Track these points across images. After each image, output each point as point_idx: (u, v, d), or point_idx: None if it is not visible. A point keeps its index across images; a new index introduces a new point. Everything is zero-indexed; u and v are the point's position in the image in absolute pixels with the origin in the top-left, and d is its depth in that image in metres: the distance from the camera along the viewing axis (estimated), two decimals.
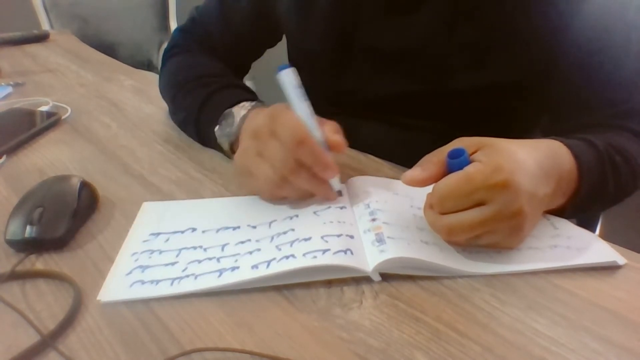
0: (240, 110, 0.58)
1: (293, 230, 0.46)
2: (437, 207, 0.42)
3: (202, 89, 0.65)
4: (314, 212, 0.49)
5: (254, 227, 0.48)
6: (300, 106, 0.49)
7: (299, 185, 0.48)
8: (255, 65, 0.86)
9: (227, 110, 0.59)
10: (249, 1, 0.74)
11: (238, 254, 0.44)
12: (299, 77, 0.50)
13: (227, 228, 0.48)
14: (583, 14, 0.54)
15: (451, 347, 0.35)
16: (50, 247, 0.46)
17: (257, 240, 0.46)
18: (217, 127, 0.60)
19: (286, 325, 0.38)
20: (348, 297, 0.40)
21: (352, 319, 0.38)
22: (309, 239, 0.44)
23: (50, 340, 0.36)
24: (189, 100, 0.66)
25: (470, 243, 0.43)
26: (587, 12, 0.54)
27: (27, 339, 0.36)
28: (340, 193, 0.51)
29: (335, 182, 0.50)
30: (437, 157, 0.43)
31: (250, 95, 0.62)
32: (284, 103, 0.50)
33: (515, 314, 0.38)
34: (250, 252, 0.44)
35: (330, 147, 0.49)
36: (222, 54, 0.76)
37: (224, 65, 0.73)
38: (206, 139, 0.64)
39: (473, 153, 0.42)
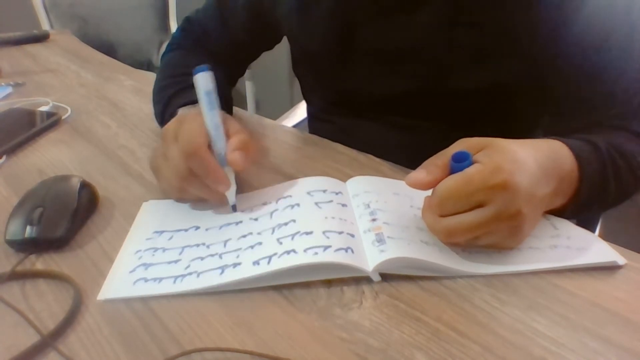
0: (186, 110, 0.59)
1: (294, 221, 0.46)
2: (437, 209, 0.42)
3: (170, 88, 0.66)
4: (316, 203, 0.49)
5: (256, 219, 0.48)
6: (208, 114, 0.48)
7: (192, 193, 0.49)
8: (255, 65, 0.86)
9: (178, 110, 0.60)
10: (247, 5, 0.74)
11: (240, 248, 0.44)
12: (213, 82, 0.49)
13: (229, 224, 0.49)
14: (584, 14, 0.54)
15: (451, 347, 0.35)
16: (50, 247, 0.46)
17: (258, 233, 0.46)
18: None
19: (286, 325, 0.38)
20: (348, 297, 0.40)
21: (352, 319, 0.38)
22: (310, 232, 0.44)
23: (50, 340, 0.36)
24: (158, 99, 0.68)
25: (469, 244, 0.43)
26: (588, 12, 0.54)
27: (27, 339, 0.36)
28: (234, 208, 0.50)
29: (230, 196, 0.50)
30: (442, 160, 0.43)
31: None
32: (198, 108, 0.50)
33: (516, 314, 0.38)
34: (252, 247, 0.44)
35: (228, 162, 0.48)
36: (217, 55, 0.76)
37: (210, 63, 0.73)
38: None
39: (476, 154, 0.42)
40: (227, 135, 0.50)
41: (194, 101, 0.60)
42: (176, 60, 0.76)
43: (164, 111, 0.65)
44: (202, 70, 0.49)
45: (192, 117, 0.50)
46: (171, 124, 0.51)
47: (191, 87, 0.63)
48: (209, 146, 0.48)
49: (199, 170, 0.47)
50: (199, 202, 0.52)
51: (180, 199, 0.52)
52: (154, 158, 0.52)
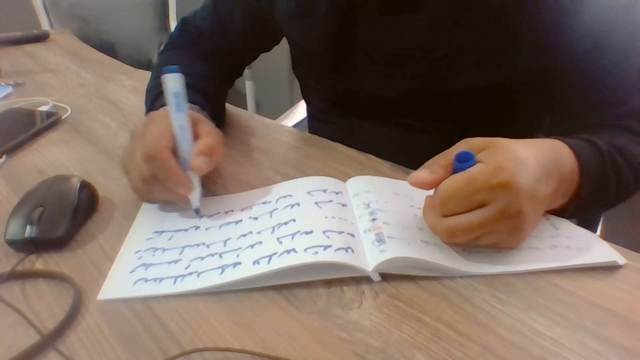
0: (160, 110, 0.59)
1: (294, 220, 0.46)
2: (440, 209, 0.42)
3: (156, 89, 0.66)
4: (316, 203, 0.49)
5: (256, 218, 0.48)
6: (174, 115, 0.48)
7: (157, 195, 0.49)
8: (255, 65, 0.86)
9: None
10: (244, 6, 0.74)
11: (240, 248, 0.44)
12: (182, 83, 0.48)
13: (229, 223, 0.49)
14: (586, 14, 0.54)
15: (451, 347, 0.35)
16: (50, 247, 0.46)
17: (258, 232, 0.46)
18: None
19: (286, 325, 0.38)
20: (348, 297, 0.40)
21: (352, 319, 0.38)
22: (310, 232, 0.44)
23: (50, 340, 0.36)
24: (146, 100, 0.69)
25: (470, 244, 0.43)
26: (589, 12, 0.54)
27: (27, 339, 0.36)
28: (197, 212, 0.50)
29: (194, 199, 0.49)
30: (445, 160, 0.43)
31: (193, 97, 0.61)
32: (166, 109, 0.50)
33: (515, 314, 0.38)
34: (252, 246, 0.44)
35: (191, 167, 0.48)
36: (213, 56, 0.76)
37: (202, 65, 0.73)
38: None
39: (478, 153, 0.42)
40: (196, 137, 0.50)
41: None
42: (169, 61, 0.75)
43: (149, 112, 0.64)
44: (171, 71, 0.48)
45: (160, 118, 0.49)
46: (141, 124, 0.51)
47: None
48: (175, 148, 0.48)
49: (159, 173, 0.47)
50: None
51: (149, 200, 0.52)
52: (123, 158, 0.52)
